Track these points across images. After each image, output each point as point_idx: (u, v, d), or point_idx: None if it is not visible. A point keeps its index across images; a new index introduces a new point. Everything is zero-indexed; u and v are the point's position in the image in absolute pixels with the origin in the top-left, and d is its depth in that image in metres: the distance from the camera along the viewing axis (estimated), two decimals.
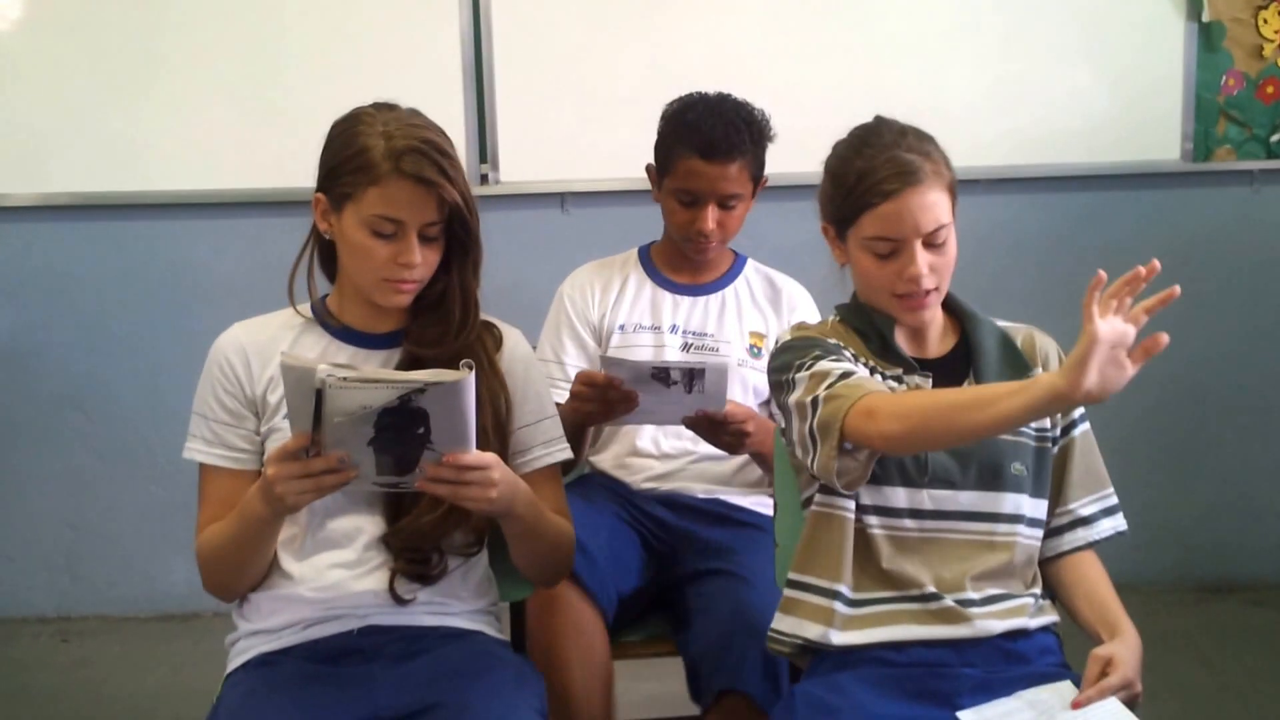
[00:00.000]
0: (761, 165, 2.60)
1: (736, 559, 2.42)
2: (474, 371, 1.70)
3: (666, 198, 2.62)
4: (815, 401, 1.86)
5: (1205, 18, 3.93)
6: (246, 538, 1.93)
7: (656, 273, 2.72)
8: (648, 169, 2.67)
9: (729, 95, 2.62)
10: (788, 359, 1.96)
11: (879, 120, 2.01)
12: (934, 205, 1.91)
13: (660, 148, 2.62)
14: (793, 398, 1.91)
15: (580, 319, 2.67)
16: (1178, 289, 1.63)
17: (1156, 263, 1.63)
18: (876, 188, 1.90)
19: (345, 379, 1.68)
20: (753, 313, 2.70)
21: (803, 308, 2.71)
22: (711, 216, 2.56)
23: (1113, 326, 1.61)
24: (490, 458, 1.82)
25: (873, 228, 1.93)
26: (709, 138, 2.51)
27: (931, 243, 1.93)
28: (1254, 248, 4.11)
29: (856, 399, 1.81)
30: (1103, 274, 1.61)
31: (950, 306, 2.06)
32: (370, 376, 1.70)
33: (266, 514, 1.86)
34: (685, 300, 2.69)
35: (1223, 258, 4.10)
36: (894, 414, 1.78)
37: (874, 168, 1.91)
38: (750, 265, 2.75)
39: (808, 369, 1.91)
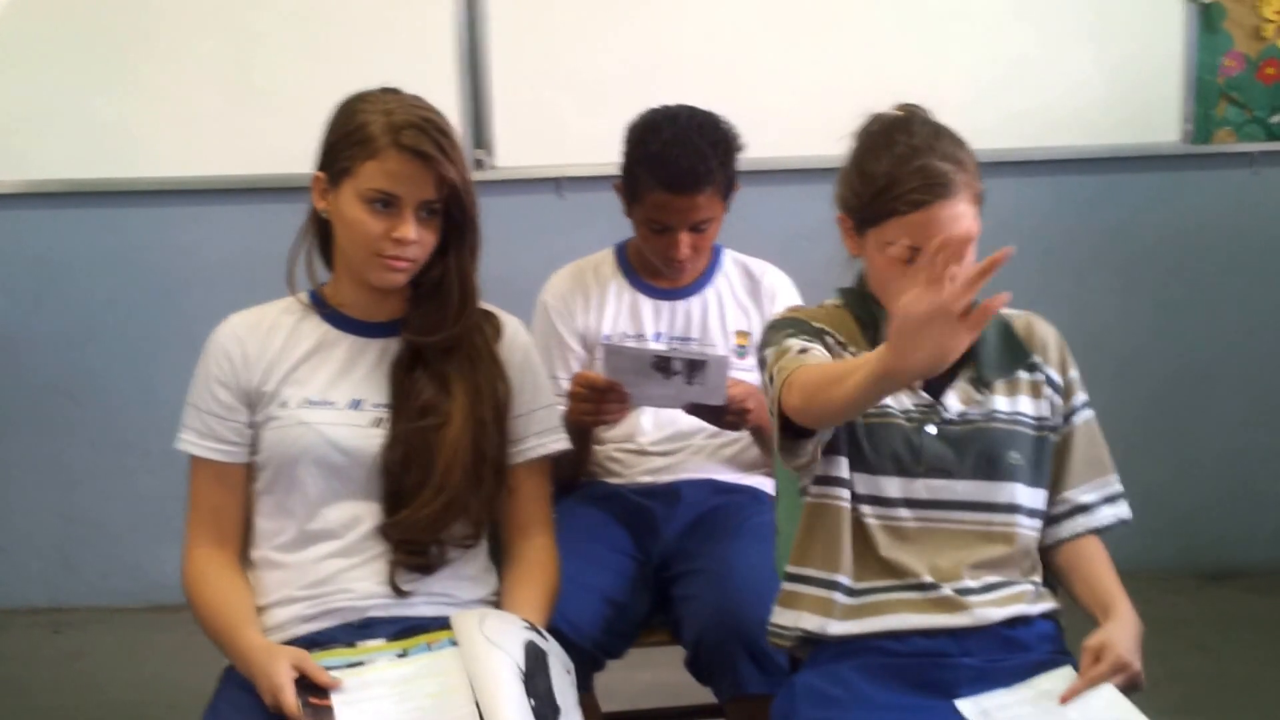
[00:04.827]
0: (732, 180, 2.54)
1: (719, 548, 2.39)
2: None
3: (638, 224, 2.58)
4: (771, 379, 1.87)
5: None
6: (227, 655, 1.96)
7: (636, 277, 2.67)
8: (616, 187, 2.61)
9: (694, 113, 2.54)
10: (766, 337, 1.98)
11: (911, 114, 1.97)
12: (961, 217, 1.88)
13: (626, 173, 2.56)
14: (763, 377, 1.94)
15: (569, 330, 2.63)
16: (1009, 250, 1.57)
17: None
18: (906, 196, 1.86)
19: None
20: (735, 311, 2.67)
21: (783, 295, 2.68)
22: (684, 243, 2.52)
23: (916, 299, 1.58)
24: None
25: (897, 234, 1.89)
26: (674, 171, 2.45)
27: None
28: (1254, 230, 4.10)
29: (791, 372, 1.81)
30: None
31: None
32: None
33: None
34: (666, 305, 2.65)
35: (1223, 241, 4.10)
36: (798, 385, 1.79)
37: (905, 175, 1.87)
38: (728, 257, 2.71)
39: (775, 346, 1.91)
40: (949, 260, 1.57)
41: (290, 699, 1.77)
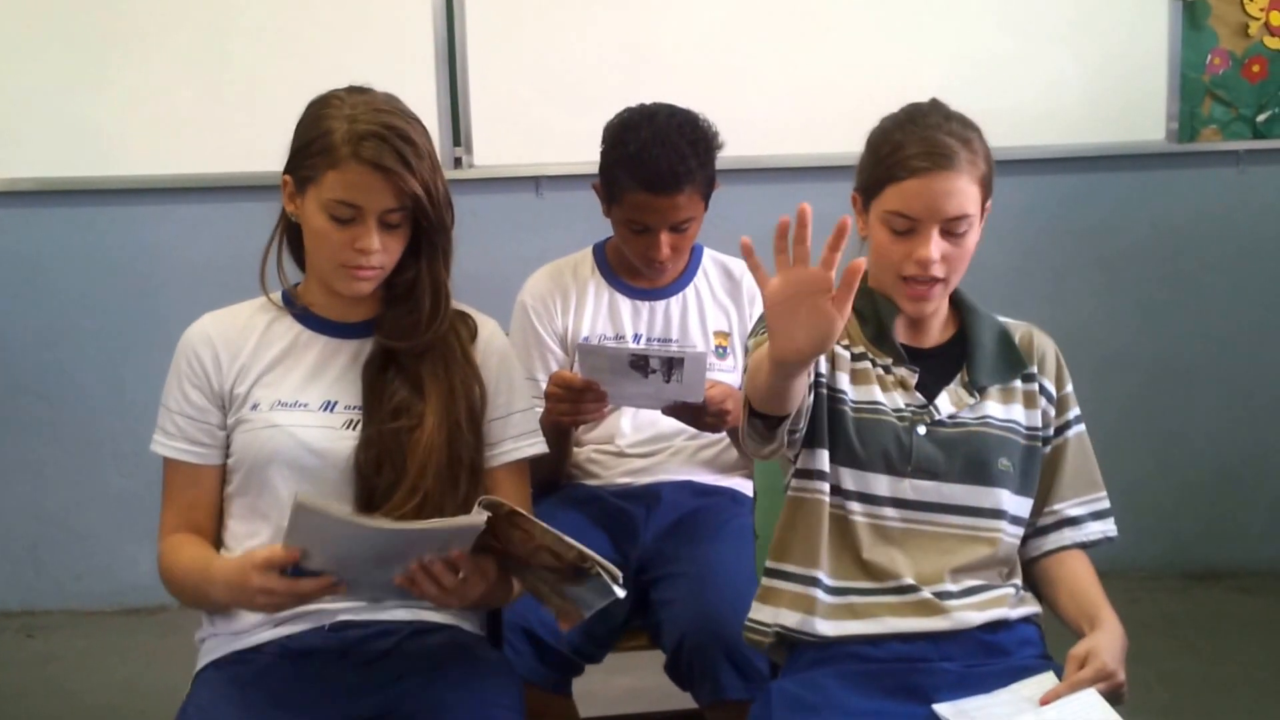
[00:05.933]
0: (711, 179, 2.53)
1: (699, 550, 2.38)
2: (487, 517, 1.72)
3: (617, 224, 2.56)
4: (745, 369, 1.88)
5: None
6: (204, 605, 1.96)
7: (615, 278, 2.65)
8: (594, 187, 2.59)
9: (673, 112, 2.52)
10: (752, 329, 1.98)
11: (933, 102, 1.98)
12: (960, 193, 1.88)
13: (605, 174, 2.54)
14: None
15: (548, 331, 2.61)
16: (848, 221, 1.59)
17: (805, 210, 1.58)
18: (905, 162, 1.88)
19: (361, 525, 1.71)
20: (714, 311, 2.65)
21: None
22: (665, 243, 2.50)
23: (782, 282, 1.61)
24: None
25: (894, 202, 1.90)
26: (654, 171, 2.43)
27: (950, 231, 1.89)
28: (1240, 229, 4.11)
29: (750, 359, 1.82)
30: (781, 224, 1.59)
31: (953, 298, 2.03)
32: (387, 528, 1.72)
33: (229, 606, 1.89)
34: (645, 306, 2.63)
35: (1208, 239, 4.11)
36: (749, 373, 1.81)
37: (910, 143, 1.89)
38: (707, 256, 2.70)
39: (755, 337, 1.90)
40: (798, 241, 1.58)
41: (265, 555, 1.74)
